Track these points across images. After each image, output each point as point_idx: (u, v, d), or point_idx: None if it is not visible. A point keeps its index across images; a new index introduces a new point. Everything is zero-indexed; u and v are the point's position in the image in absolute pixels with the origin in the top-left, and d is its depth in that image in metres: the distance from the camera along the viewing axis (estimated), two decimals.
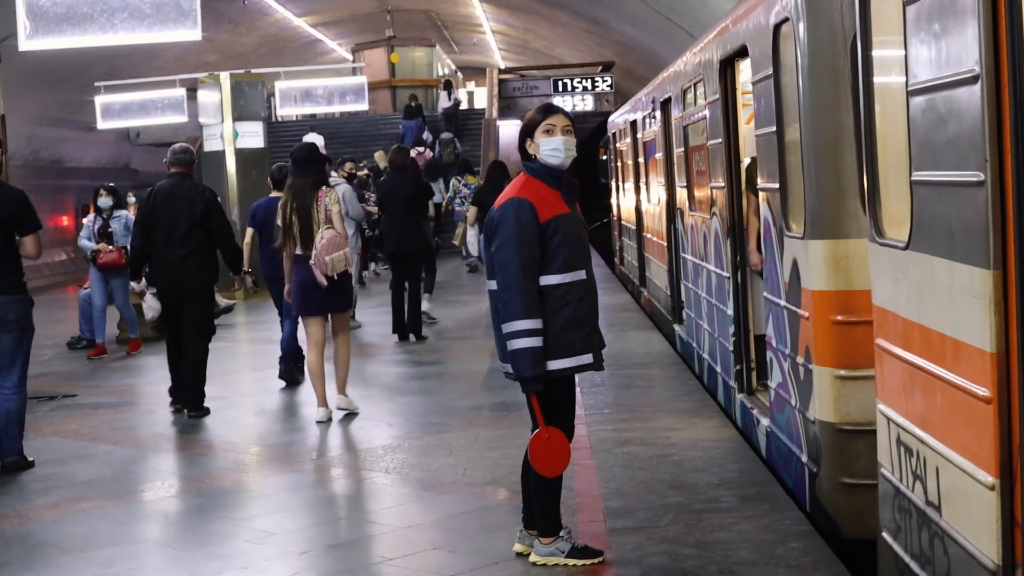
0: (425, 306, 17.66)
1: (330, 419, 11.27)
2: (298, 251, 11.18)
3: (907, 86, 5.18)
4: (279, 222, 11.48)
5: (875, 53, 5.94)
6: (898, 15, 5.43)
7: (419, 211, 16.63)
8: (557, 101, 39.86)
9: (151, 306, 12.09)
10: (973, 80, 4.43)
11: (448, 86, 40.89)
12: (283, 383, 13.45)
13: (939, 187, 4.87)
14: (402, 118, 37.35)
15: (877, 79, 5.96)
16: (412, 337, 16.53)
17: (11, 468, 9.74)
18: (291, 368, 13.58)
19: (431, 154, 33.06)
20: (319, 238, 10.95)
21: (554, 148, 6.80)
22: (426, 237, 16.85)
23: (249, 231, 14.29)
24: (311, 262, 10.96)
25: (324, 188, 11.28)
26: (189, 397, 12.08)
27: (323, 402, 11.37)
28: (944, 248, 4.84)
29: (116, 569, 7.34)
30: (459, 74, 61.47)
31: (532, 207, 6.63)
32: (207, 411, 11.99)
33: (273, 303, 14.39)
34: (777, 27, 8.06)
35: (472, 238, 18.54)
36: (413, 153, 31.77)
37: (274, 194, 14.06)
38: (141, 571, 7.33)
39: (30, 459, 9.91)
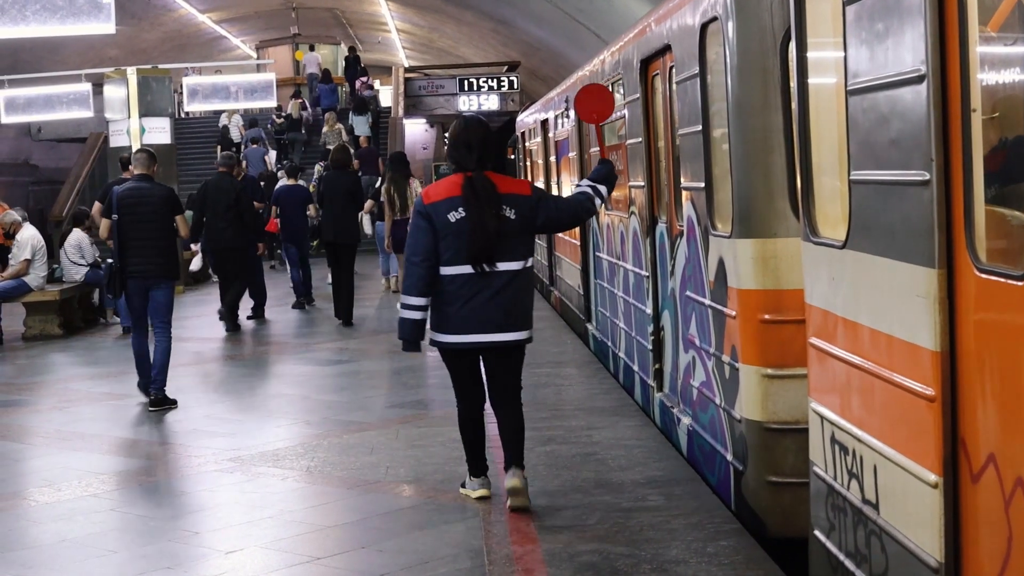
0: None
1: None
2: (397, 216, 17.93)
3: (846, 86, 5.20)
4: (384, 199, 18.59)
5: (810, 54, 5.97)
6: (835, 15, 5.46)
7: (356, 206, 18.65)
8: (462, 100, 39.93)
9: (197, 261, 18.96)
10: (918, 80, 4.45)
11: (352, 51, 44.57)
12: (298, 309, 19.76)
13: (881, 186, 4.89)
14: (320, 82, 41.62)
15: (812, 79, 5.99)
16: (341, 322, 18.05)
17: (156, 401, 12.06)
18: (300, 300, 20.21)
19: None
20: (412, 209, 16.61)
21: None
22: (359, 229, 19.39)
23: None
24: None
25: (412, 178, 18.38)
26: (228, 316, 17.85)
27: None
28: (886, 247, 4.86)
29: (36, 570, 7.20)
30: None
31: None
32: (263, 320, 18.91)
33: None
34: (704, 26, 8.07)
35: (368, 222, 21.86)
36: (358, 84, 39.16)
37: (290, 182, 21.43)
38: (62, 572, 7.18)
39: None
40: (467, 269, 7.61)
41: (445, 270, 7.65)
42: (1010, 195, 4.21)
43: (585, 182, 8.18)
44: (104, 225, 12.85)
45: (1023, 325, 3.89)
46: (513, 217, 7.67)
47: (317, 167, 29.53)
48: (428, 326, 7.86)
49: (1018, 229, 4.10)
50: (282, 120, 37.47)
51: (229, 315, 17.90)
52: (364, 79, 39.92)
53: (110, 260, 12.33)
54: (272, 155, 34.14)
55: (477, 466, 8.10)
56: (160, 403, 12.01)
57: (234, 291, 18.06)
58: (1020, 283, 3.88)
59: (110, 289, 12.31)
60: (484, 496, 8.04)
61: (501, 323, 7.69)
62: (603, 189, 8.10)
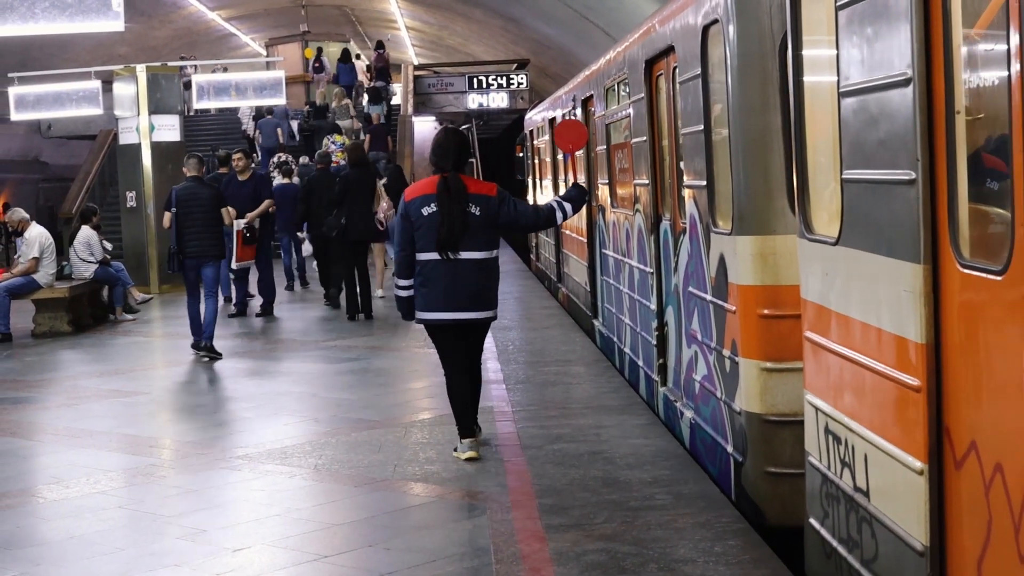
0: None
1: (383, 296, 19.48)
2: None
3: (838, 87, 5.33)
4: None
5: (805, 55, 6.09)
6: (828, 18, 5.58)
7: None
8: (472, 98, 40.02)
9: (307, 247, 21.28)
10: (905, 83, 4.58)
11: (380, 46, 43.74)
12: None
13: (870, 185, 5.02)
14: (339, 61, 41.66)
15: (807, 81, 6.11)
16: (362, 316, 18.32)
17: (207, 348, 15.03)
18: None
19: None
20: (382, 205, 18.73)
21: None
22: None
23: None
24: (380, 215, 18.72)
25: (378, 176, 20.06)
26: (333, 293, 20.05)
27: (380, 286, 20.14)
28: (875, 244, 4.99)
29: (44, 567, 7.26)
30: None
31: None
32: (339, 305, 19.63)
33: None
34: (706, 28, 8.20)
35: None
36: (374, 56, 39.80)
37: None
38: (70, 569, 7.24)
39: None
40: (436, 255, 9.00)
41: (419, 256, 9.10)
42: (991, 193, 4.33)
43: (556, 198, 9.62)
44: (166, 217, 15.45)
45: (1003, 318, 4.02)
46: (478, 214, 9.03)
47: (326, 140, 30.05)
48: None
49: (999, 226, 4.22)
50: (308, 108, 38.17)
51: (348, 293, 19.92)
52: (381, 51, 39.99)
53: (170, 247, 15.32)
54: (294, 125, 35.29)
55: (466, 428, 9.30)
56: (210, 350, 15.02)
57: (337, 273, 19.93)
58: (1000, 278, 4.00)
59: (170, 264, 15.38)
60: (472, 458, 9.16)
61: (469, 303, 9.12)
62: (568, 207, 9.46)
